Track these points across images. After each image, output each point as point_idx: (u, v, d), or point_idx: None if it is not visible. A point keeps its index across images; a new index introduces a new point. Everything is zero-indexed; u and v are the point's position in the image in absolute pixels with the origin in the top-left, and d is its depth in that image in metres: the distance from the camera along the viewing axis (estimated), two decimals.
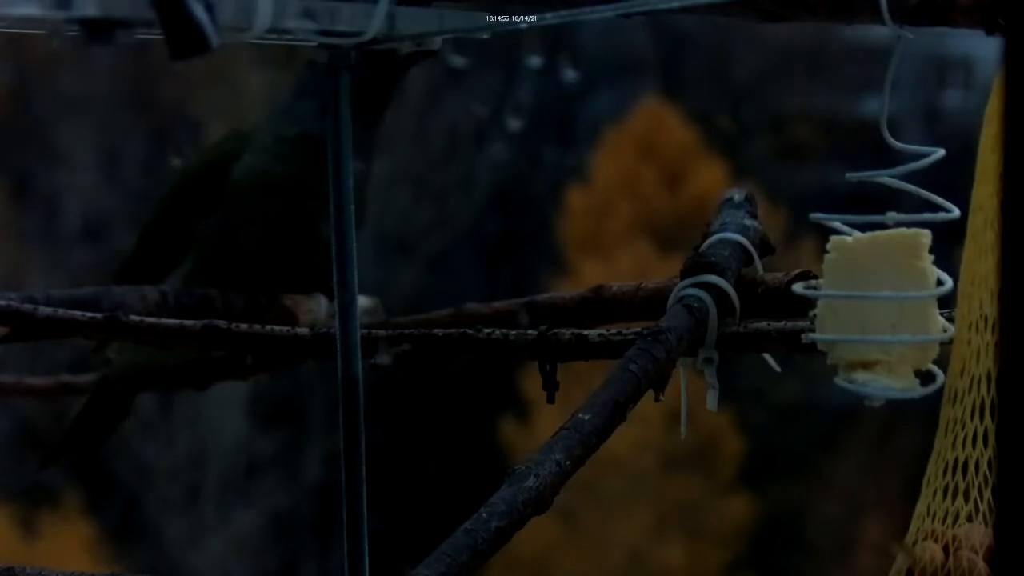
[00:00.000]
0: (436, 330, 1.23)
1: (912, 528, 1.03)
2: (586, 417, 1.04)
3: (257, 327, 1.24)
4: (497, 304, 1.50)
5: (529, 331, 1.19)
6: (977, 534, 1.00)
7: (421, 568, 0.91)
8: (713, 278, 1.17)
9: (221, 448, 5.86)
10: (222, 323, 1.24)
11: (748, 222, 1.26)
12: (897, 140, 1.04)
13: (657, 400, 1.12)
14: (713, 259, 1.19)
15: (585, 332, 1.19)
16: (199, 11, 0.81)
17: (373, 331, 1.21)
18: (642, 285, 1.34)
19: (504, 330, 1.20)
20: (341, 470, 1.06)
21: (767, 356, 1.18)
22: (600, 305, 1.37)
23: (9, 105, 6.07)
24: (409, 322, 1.54)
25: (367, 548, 1.06)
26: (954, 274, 1.04)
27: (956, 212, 1.04)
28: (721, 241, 1.23)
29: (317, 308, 1.68)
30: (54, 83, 5.93)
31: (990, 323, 1.00)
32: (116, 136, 6.03)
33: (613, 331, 1.18)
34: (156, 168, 5.83)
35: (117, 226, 5.82)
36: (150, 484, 5.87)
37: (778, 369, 1.18)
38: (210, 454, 5.87)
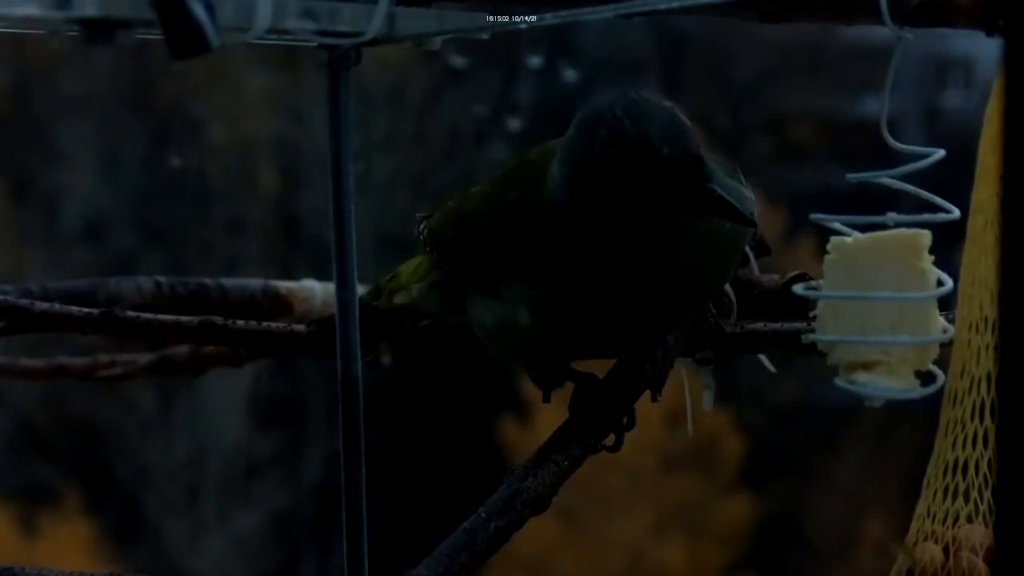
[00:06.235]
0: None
1: (912, 529, 1.03)
2: None
3: (253, 323, 1.24)
4: None
5: None
6: (977, 535, 1.00)
7: (420, 568, 0.91)
8: None
9: (221, 448, 5.85)
10: (218, 319, 1.24)
11: None
12: (897, 140, 1.04)
13: (654, 400, 1.12)
14: None
15: None
16: (199, 11, 0.81)
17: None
18: None
19: None
20: (341, 470, 1.06)
21: (762, 357, 1.18)
22: None
23: (9, 105, 6.06)
24: None
25: (367, 548, 1.06)
26: (955, 275, 1.04)
27: (956, 213, 1.04)
28: None
29: (311, 297, 1.67)
30: (54, 83, 5.92)
31: (990, 324, 1.00)
32: (116, 136, 6.02)
33: None
34: (156, 168, 5.82)
35: (117, 226, 5.81)
36: (150, 484, 5.86)
37: (773, 370, 1.18)
38: (210, 454, 5.86)
